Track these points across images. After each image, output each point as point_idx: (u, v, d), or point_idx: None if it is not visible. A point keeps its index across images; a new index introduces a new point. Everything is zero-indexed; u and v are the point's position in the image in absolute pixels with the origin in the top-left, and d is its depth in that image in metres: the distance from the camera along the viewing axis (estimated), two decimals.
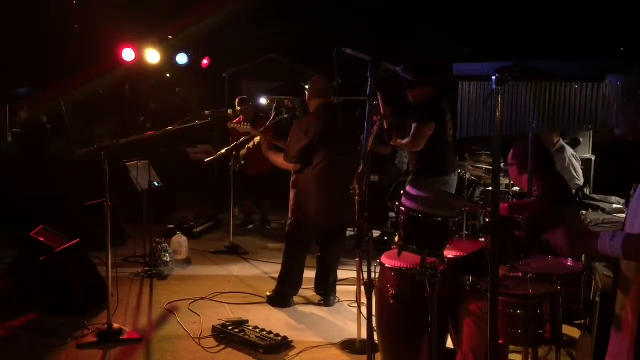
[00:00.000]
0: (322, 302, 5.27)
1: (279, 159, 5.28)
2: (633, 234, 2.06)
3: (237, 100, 8.10)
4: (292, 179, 5.23)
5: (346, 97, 8.03)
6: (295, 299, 5.32)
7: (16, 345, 4.43)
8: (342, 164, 5.00)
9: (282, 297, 5.24)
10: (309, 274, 5.40)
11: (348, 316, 4.97)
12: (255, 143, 6.63)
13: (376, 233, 7.19)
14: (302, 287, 5.43)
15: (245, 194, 8.05)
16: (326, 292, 5.27)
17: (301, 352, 4.31)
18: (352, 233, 7.34)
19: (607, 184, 7.00)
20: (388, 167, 7.52)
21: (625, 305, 2.14)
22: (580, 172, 6.40)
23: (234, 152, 7.26)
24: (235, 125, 6.83)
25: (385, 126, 5.31)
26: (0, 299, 5.17)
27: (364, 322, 3.61)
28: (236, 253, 6.92)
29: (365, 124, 3.52)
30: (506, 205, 3.42)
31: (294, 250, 5.27)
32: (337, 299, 5.33)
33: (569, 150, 6.42)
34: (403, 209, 3.12)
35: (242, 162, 7.60)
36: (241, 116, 7.91)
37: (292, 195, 5.22)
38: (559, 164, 6.24)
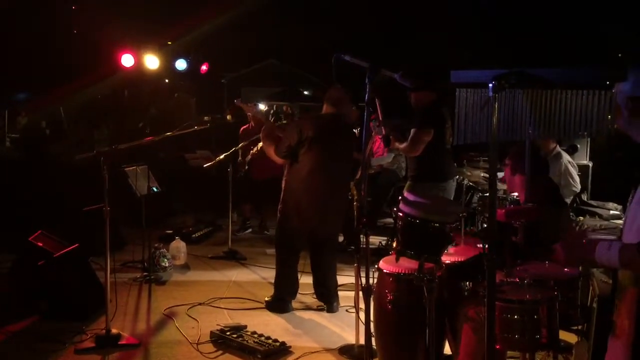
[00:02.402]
0: (321, 307, 5.28)
1: (270, 149, 5.23)
2: (629, 244, 2.09)
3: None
4: (283, 180, 5.26)
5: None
6: (294, 304, 5.33)
7: (14, 350, 4.42)
8: (334, 173, 5.04)
9: (279, 302, 5.24)
10: (307, 279, 5.41)
11: (346, 321, 4.97)
12: (259, 149, 6.66)
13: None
14: (301, 292, 5.44)
15: (246, 198, 8.07)
16: (328, 298, 5.27)
17: (299, 357, 4.32)
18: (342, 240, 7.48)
19: (605, 190, 7.03)
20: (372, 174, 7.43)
21: (621, 312, 2.17)
22: (577, 179, 6.42)
23: (239, 158, 7.30)
24: (243, 105, 6.78)
25: (384, 132, 5.35)
26: None
27: (362, 328, 3.62)
28: (234, 258, 6.92)
29: (363, 130, 3.54)
30: (503, 211, 3.43)
31: (283, 255, 5.28)
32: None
33: (566, 157, 6.45)
34: (401, 214, 3.14)
35: (247, 167, 7.65)
36: (251, 122, 7.95)
37: (281, 196, 5.26)
38: (555, 170, 6.27)
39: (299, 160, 5.05)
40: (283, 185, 5.24)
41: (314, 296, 5.39)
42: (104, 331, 4.45)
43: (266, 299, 5.34)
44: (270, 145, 5.21)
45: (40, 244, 5.16)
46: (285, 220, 5.22)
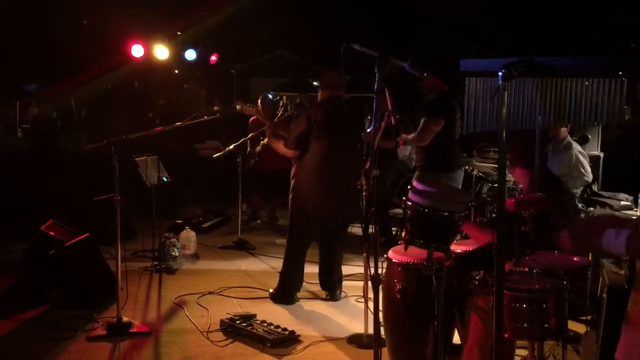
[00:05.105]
0: (328, 297, 5.30)
1: (279, 145, 5.32)
2: (637, 232, 2.06)
3: (259, 98, 8.14)
4: (292, 168, 5.26)
5: (353, 94, 8.04)
6: (302, 294, 5.35)
7: (26, 338, 4.48)
8: (344, 156, 5.03)
9: (284, 294, 5.23)
10: (315, 269, 5.42)
11: (355, 311, 4.99)
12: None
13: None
14: (309, 281, 5.46)
15: (254, 187, 8.08)
16: (332, 286, 5.29)
17: (308, 346, 4.34)
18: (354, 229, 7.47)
19: (616, 181, 6.99)
20: (391, 162, 7.43)
21: (637, 301, 2.15)
22: (589, 169, 6.38)
23: (248, 149, 7.30)
24: (243, 108, 6.74)
25: (393, 121, 5.33)
26: (10, 293, 5.22)
27: (371, 317, 3.63)
28: (244, 248, 6.95)
29: (373, 119, 3.54)
30: (513, 200, 3.42)
31: (294, 245, 5.29)
32: (344, 293, 5.35)
33: (577, 147, 6.41)
34: (410, 203, 3.14)
35: (257, 158, 7.66)
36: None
37: (291, 185, 5.25)
38: (566, 160, 6.24)
39: (310, 148, 5.06)
40: (293, 176, 5.24)
41: None
42: (115, 319, 4.50)
43: (270, 290, 5.35)
44: (278, 141, 5.31)
45: (52, 233, 5.21)
46: (299, 209, 5.20)
